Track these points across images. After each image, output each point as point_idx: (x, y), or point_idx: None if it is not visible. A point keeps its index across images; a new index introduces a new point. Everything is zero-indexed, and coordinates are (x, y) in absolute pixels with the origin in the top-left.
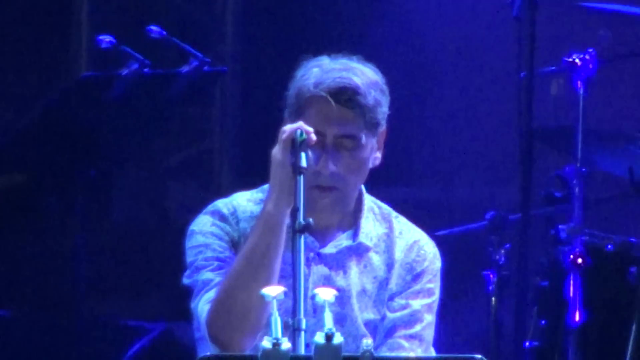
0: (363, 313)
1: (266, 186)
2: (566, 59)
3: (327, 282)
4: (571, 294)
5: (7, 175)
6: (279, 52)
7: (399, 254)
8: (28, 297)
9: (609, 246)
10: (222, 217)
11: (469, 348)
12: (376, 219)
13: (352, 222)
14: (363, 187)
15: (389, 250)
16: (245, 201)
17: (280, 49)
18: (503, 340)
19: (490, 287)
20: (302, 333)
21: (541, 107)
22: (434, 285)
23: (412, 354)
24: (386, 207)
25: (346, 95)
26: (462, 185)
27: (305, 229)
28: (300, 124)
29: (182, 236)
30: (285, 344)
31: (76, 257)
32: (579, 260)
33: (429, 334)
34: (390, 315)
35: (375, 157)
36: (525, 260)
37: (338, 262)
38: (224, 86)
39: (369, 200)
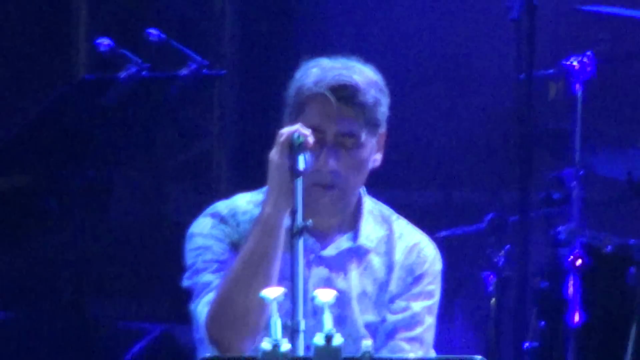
0: (363, 315)
1: (266, 188)
2: (564, 62)
3: (327, 284)
4: (570, 295)
5: (6, 177)
6: (277, 55)
7: (399, 256)
8: (27, 298)
9: (608, 247)
10: (222, 219)
11: (469, 349)
12: (376, 221)
13: (352, 224)
14: (363, 189)
15: (389, 252)
16: (245, 203)
17: (279, 52)
18: (503, 341)
19: (490, 289)
20: (301, 334)
21: (540, 110)
22: (435, 287)
23: (412, 355)
24: (387, 209)
25: (346, 93)
26: (462, 187)
27: (304, 231)
28: (298, 126)
29: (181, 238)
30: (285, 346)
31: (75, 259)
32: (578, 262)
33: (430, 336)
34: (390, 318)
35: (375, 158)
36: (525, 261)
37: (338, 264)
38: (222, 89)
39: (369, 202)
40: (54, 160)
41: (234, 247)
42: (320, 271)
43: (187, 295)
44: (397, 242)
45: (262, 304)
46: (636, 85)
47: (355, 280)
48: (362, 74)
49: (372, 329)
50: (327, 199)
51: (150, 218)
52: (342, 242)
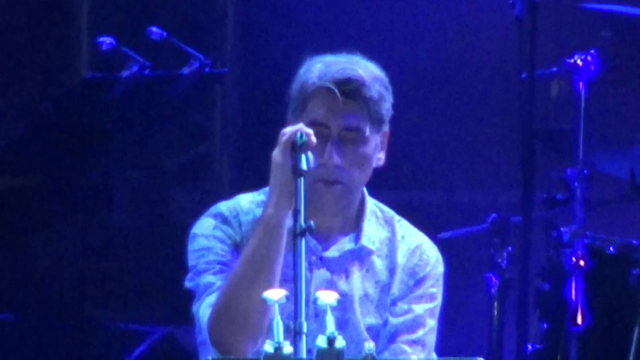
0: (365, 318)
1: (268, 188)
2: (568, 60)
3: (329, 286)
4: (573, 297)
5: (8, 178)
6: (279, 54)
7: (401, 259)
8: (30, 300)
9: (611, 248)
10: (225, 220)
11: (471, 351)
12: (379, 222)
13: (355, 225)
14: (366, 191)
15: (391, 254)
16: (247, 203)
17: (281, 51)
18: (505, 343)
19: (492, 290)
20: (304, 336)
21: (542, 109)
22: (437, 289)
23: (413, 357)
24: (389, 211)
25: (351, 86)
26: (464, 188)
27: (306, 231)
28: (301, 126)
29: (183, 239)
30: (287, 348)
31: (78, 260)
32: (581, 263)
33: (432, 339)
34: (392, 320)
35: (379, 157)
36: (527, 262)
37: (340, 266)
38: (224, 88)
39: (371, 204)
40: (56, 161)
41: (236, 248)
42: (322, 273)
43: (190, 297)
44: (399, 244)
45: (264, 305)
46: (639, 84)
47: (357, 282)
48: (367, 69)
49: (374, 332)
50: (330, 195)
51: (152, 218)
52: (345, 244)
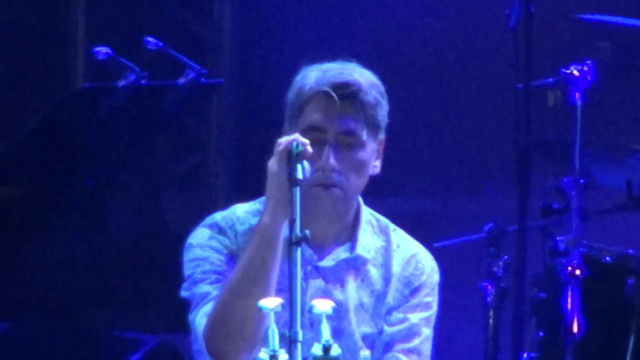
0: (360, 327)
1: (264, 198)
2: (564, 70)
3: (325, 295)
4: (569, 306)
5: (4, 187)
6: (275, 64)
7: (396, 268)
8: (25, 309)
9: (607, 258)
10: (220, 230)
11: None
12: (374, 231)
13: (350, 234)
14: (361, 200)
15: (386, 263)
16: (243, 213)
17: (277, 60)
18: (501, 352)
19: (488, 299)
20: (299, 345)
21: (539, 119)
22: (432, 299)
23: None
24: (384, 220)
25: (348, 90)
26: (460, 197)
27: (302, 240)
28: (297, 135)
29: (179, 248)
30: (283, 356)
31: (72, 269)
32: (577, 272)
33: (427, 348)
34: (388, 330)
35: (375, 165)
36: (523, 271)
37: (335, 276)
38: (220, 98)
39: (366, 213)
40: (52, 171)
41: (232, 257)
42: (317, 283)
43: (186, 306)
44: (394, 253)
45: (260, 314)
46: (636, 94)
47: (352, 291)
48: (363, 75)
49: (369, 341)
50: (328, 199)
51: (147, 228)
52: (340, 253)
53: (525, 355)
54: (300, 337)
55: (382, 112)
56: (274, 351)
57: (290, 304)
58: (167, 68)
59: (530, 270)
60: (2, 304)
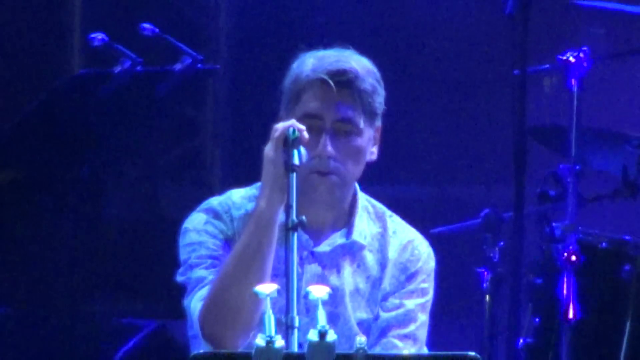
0: (356, 312)
1: (260, 183)
2: (560, 57)
3: (321, 281)
4: (565, 292)
5: (0, 173)
6: (271, 50)
7: (392, 254)
8: (21, 295)
9: (603, 244)
10: (216, 215)
11: (463, 345)
12: (370, 217)
13: (346, 220)
14: (358, 186)
15: (382, 249)
16: (239, 198)
17: (273, 47)
18: (497, 338)
19: (485, 285)
20: (295, 330)
21: (535, 106)
22: (428, 285)
23: (405, 352)
24: (381, 206)
25: (345, 78)
26: (457, 183)
27: (298, 226)
28: (293, 121)
29: (174, 233)
30: (279, 342)
31: (69, 255)
32: (573, 258)
33: (423, 334)
34: (384, 315)
35: (371, 152)
36: (519, 257)
37: (332, 261)
38: (216, 84)
39: (363, 199)
40: (48, 156)
41: (228, 242)
42: (313, 268)
43: (181, 291)
44: (390, 239)
45: (256, 299)
46: (632, 80)
47: (348, 277)
48: (360, 62)
49: (365, 326)
50: (325, 186)
51: (143, 213)
52: (336, 239)
53: (521, 340)
54: (296, 323)
55: (379, 99)
56: (271, 337)
57: (286, 290)
58: (163, 54)
59: (526, 256)
60: None
